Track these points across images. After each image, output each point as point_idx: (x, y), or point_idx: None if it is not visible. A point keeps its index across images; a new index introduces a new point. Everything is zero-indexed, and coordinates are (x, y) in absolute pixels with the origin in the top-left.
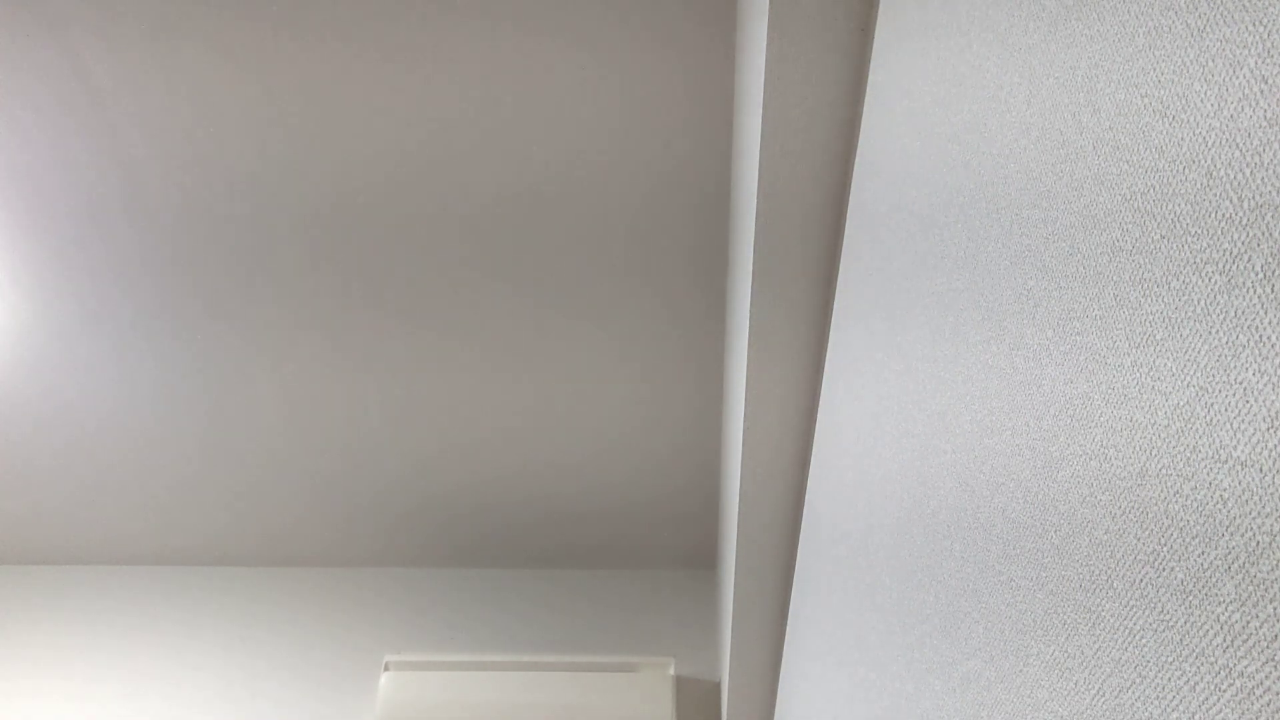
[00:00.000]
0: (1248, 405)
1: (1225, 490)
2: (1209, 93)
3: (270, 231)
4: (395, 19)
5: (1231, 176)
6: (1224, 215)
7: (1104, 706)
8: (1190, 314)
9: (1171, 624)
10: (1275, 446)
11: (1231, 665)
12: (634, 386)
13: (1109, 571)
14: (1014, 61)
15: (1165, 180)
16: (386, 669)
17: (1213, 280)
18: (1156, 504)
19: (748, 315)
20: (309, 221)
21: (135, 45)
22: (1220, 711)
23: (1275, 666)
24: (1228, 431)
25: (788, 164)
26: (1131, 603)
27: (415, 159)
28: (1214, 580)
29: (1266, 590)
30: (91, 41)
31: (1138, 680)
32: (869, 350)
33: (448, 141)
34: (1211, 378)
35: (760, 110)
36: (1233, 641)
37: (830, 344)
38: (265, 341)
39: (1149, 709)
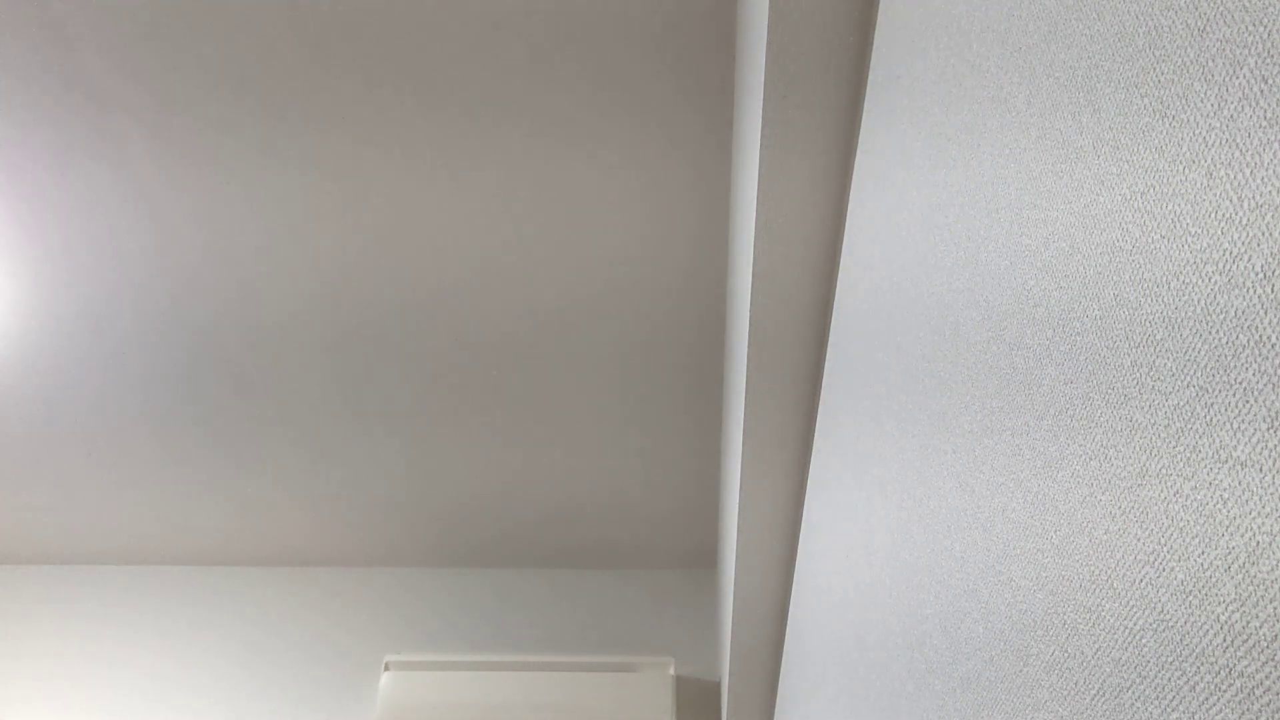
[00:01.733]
0: (1248, 405)
1: (1225, 490)
2: (1209, 93)
3: (272, 225)
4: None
5: (1231, 176)
6: (1224, 216)
7: (1104, 706)
8: (1190, 314)
9: (1171, 624)
10: (1275, 446)
11: (1231, 665)
12: (634, 386)
13: (1109, 571)
14: (1014, 61)
15: (1165, 180)
16: (386, 669)
17: (1213, 280)
18: (1156, 504)
19: (748, 322)
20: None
21: (135, 39)
22: (1220, 711)
23: (1275, 666)
24: (1228, 431)
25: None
26: (1131, 603)
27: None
28: (1214, 580)
29: (1266, 590)
30: (91, 36)
31: (1138, 680)
32: (868, 349)
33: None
34: (1212, 377)
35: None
36: (1233, 641)
37: (830, 343)
38: (266, 341)
39: (1149, 709)
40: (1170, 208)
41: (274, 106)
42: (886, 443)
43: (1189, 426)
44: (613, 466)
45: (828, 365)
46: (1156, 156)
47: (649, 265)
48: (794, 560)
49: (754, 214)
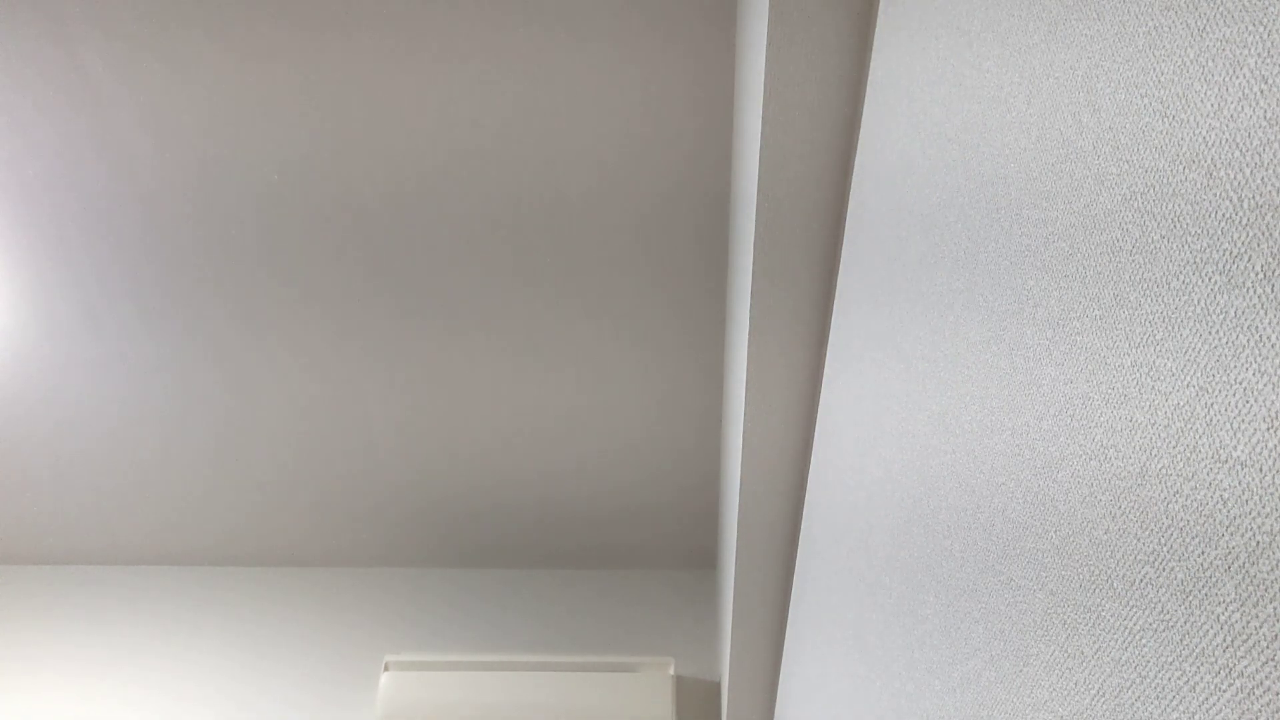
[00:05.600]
0: (1248, 405)
1: (1225, 490)
2: (1209, 93)
3: (279, 232)
4: (411, 16)
5: (1231, 176)
6: (1224, 215)
7: (1104, 706)
8: (1190, 314)
9: (1171, 624)
10: (1275, 446)
11: (1231, 665)
12: (635, 387)
13: (1109, 571)
14: (1014, 61)
15: (1165, 180)
16: (386, 669)
17: (1213, 280)
18: (1156, 504)
19: (748, 317)
20: (320, 224)
21: (135, 38)
22: (1220, 711)
23: (1275, 666)
24: (1228, 431)
25: (788, 165)
26: (1131, 603)
27: (427, 161)
28: (1214, 580)
29: (1266, 590)
30: (91, 36)
31: (1138, 680)
32: (869, 351)
33: (458, 145)
34: (1211, 378)
35: (760, 108)
36: (1233, 641)
37: (830, 344)
38: (269, 343)
39: (1149, 709)
40: (1170, 208)
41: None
42: (886, 442)
43: (1189, 425)
44: (613, 467)
45: (828, 361)
46: (1156, 157)
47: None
48: (794, 560)
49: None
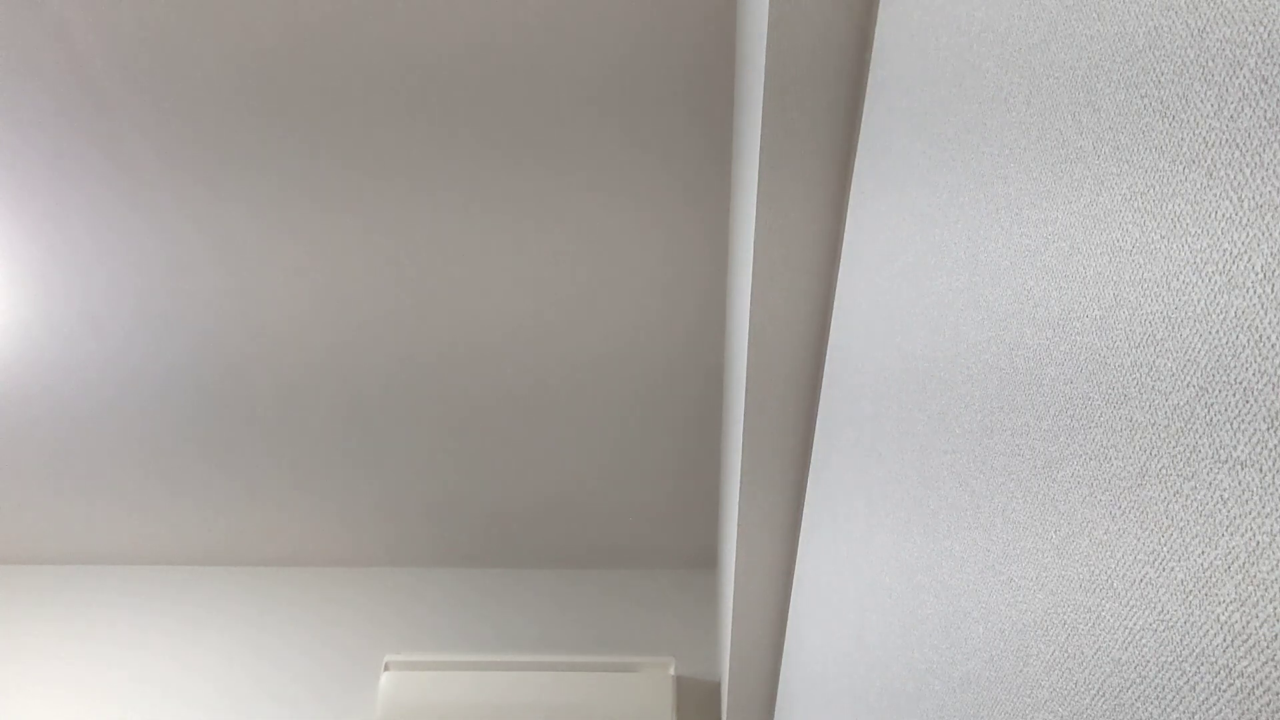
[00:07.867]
0: (1248, 405)
1: (1225, 490)
2: (1209, 93)
3: (273, 226)
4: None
5: (1231, 177)
6: (1224, 216)
7: (1104, 706)
8: (1190, 313)
9: (1171, 624)
10: (1275, 446)
11: (1231, 665)
12: (635, 386)
13: (1109, 570)
14: (1014, 61)
15: (1165, 180)
16: (386, 669)
17: (1213, 280)
18: (1156, 503)
19: (749, 308)
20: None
21: (137, 42)
22: (1220, 711)
23: (1275, 666)
24: (1228, 431)
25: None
26: (1131, 602)
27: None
28: (1214, 580)
29: (1266, 590)
30: (91, 38)
31: (1138, 680)
32: (868, 349)
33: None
34: (1211, 377)
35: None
36: (1233, 641)
37: (830, 343)
38: (270, 343)
39: (1149, 709)
40: (1170, 208)
41: (272, 118)
42: (887, 443)
43: (1189, 426)
44: (613, 467)
45: (828, 365)
46: (1156, 156)
47: (651, 268)
48: (794, 560)
49: (754, 215)
